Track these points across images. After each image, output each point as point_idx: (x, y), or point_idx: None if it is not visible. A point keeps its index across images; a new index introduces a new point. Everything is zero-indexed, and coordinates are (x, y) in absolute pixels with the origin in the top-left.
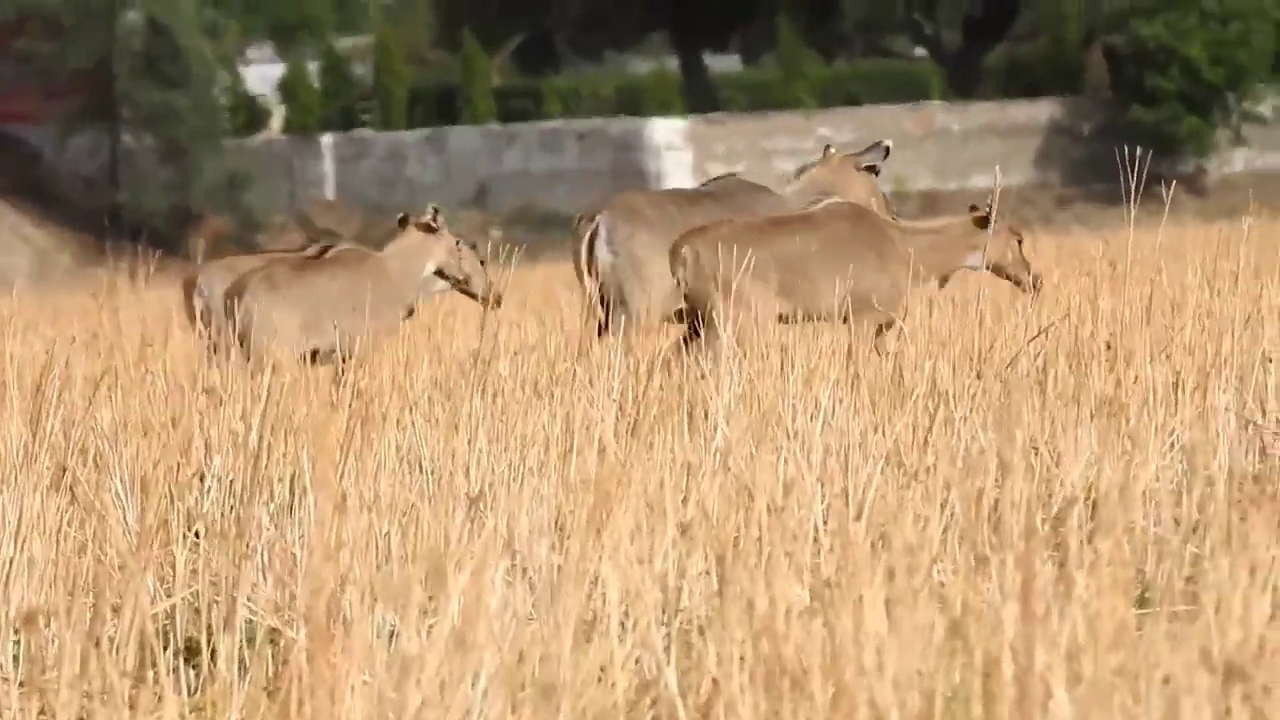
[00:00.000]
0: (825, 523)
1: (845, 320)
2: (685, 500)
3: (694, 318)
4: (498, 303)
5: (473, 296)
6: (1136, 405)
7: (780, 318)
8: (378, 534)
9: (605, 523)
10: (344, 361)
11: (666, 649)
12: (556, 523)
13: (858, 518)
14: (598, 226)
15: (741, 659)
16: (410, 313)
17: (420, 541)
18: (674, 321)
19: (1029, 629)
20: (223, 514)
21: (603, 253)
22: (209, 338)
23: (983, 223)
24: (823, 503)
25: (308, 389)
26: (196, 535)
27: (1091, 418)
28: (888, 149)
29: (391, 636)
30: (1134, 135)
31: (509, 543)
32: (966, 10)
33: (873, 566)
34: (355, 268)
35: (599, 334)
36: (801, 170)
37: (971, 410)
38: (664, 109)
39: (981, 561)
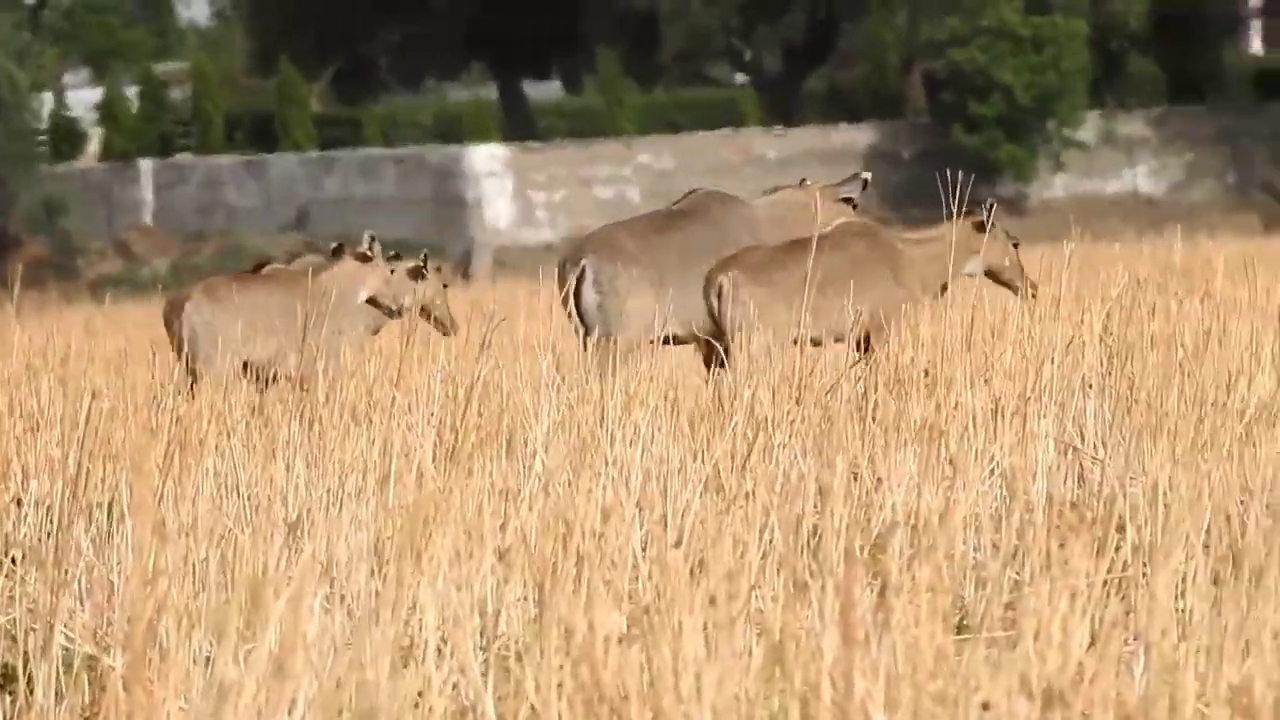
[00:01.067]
0: (644, 549)
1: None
2: (504, 527)
3: (712, 342)
4: (454, 329)
5: (439, 328)
6: (956, 431)
7: (812, 341)
8: (196, 561)
9: (424, 549)
10: (285, 380)
11: (484, 675)
12: (375, 549)
13: (676, 544)
14: (584, 270)
15: (560, 686)
16: (374, 331)
17: (238, 568)
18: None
19: (848, 655)
20: (40, 540)
21: (589, 294)
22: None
23: (980, 227)
24: (641, 529)
25: (126, 414)
26: (13, 561)
27: (909, 443)
28: (866, 181)
29: (209, 663)
30: (954, 160)
31: (327, 569)
32: (786, 37)
33: (691, 593)
34: (290, 287)
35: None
36: (774, 189)
37: (791, 436)
38: (483, 137)
39: (801, 588)
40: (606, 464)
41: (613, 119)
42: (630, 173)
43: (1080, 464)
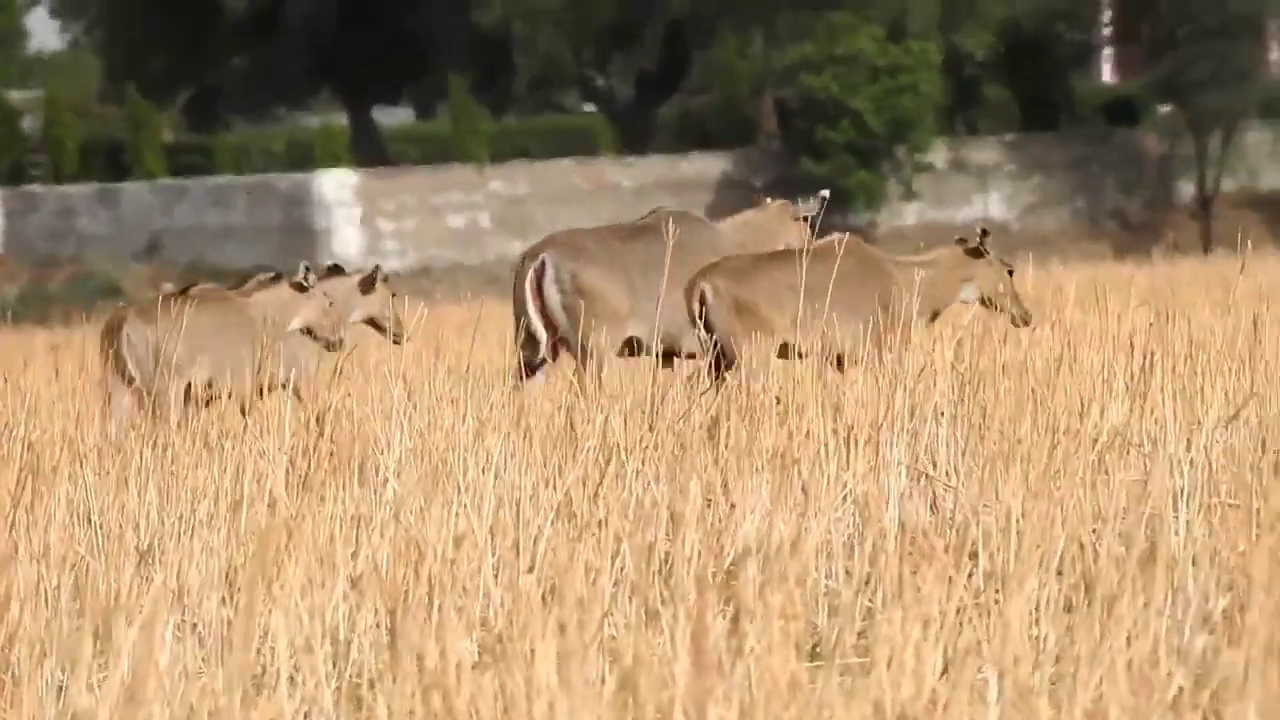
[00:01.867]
0: (496, 576)
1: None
2: (356, 554)
3: (717, 351)
4: (398, 341)
5: (391, 338)
6: (809, 458)
7: (798, 354)
8: (47, 587)
9: (275, 576)
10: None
11: (336, 703)
12: (227, 576)
13: (529, 570)
14: (543, 264)
15: (412, 713)
16: (333, 347)
17: (90, 596)
18: (622, 356)
19: (701, 682)
20: None
21: (551, 291)
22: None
23: (975, 254)
24: (494, 556)
25: None
26: None
27: (761, 470)
28: (825, 200)
29: (61, 692)
30: (806, 188)
31: (179, 597)
32: (638, 65)
33: (544, 620)
34: (222, 308)
35: (529, 372)
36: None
37: (644, 463)
38: (334, 163)
39: (653, 614)
40: (459, 491)
41: (464, 146)
42: (481, 200)
43: (933, 491)
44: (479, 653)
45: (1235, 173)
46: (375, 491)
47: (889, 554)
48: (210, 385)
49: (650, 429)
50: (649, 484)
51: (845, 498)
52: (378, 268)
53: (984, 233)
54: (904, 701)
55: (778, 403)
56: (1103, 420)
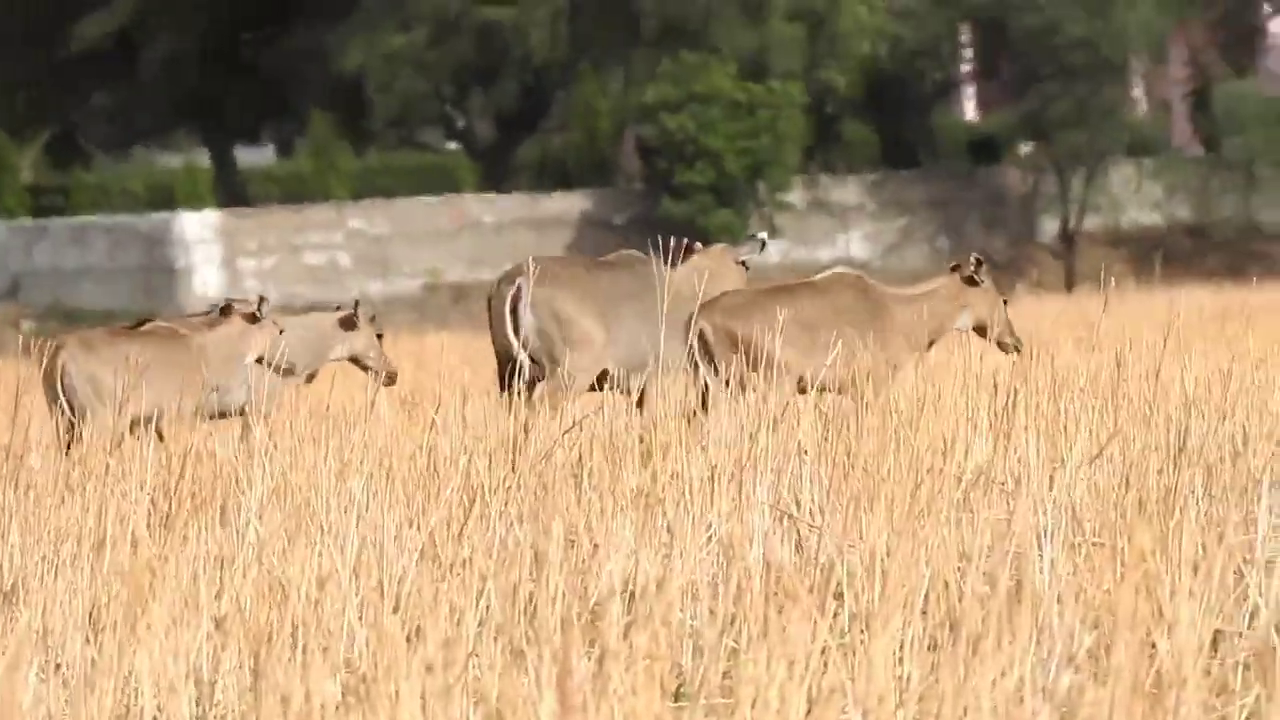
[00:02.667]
0: (360, 617)
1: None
2: (219, 594)
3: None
4: (391, 381)
5: (376, 377)
6: (673, 498)
7: (799, 384)
8: None
9: (139, 616)
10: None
11: None
12: (90, 616)
13: (393, 611)
14: (519, 289)
15: None
16: (309, 379)
17: None
18: (594, 389)
19: None
20: None
21: (526, 316)
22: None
23: (970, 282)
24: (357, 597)
25: None
26: None
27: (625, 510)
28: (764, 242)
29: None
30: (667, 227)
31: (43, 637)
32: (499, 104)
33: (408, 660)
34: (168, 344)
35: (524, 392)
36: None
37: (507, 503)
38: (195, 203)
39: (518, 655)
40: (322, 531)
41: (324, 184)
42: (342, 238)
43: (797, 531)
44: (343, 694)
45: (1099, 210)
46: (238, 532)
47: (754, 594)
48: (151, 421)
49: (513, 469)
50: (512, 524)
51: (710, 538)
52: (357, 304)
53: (979, 261)
54: None
55: (641, 441)
56: (966, 459)
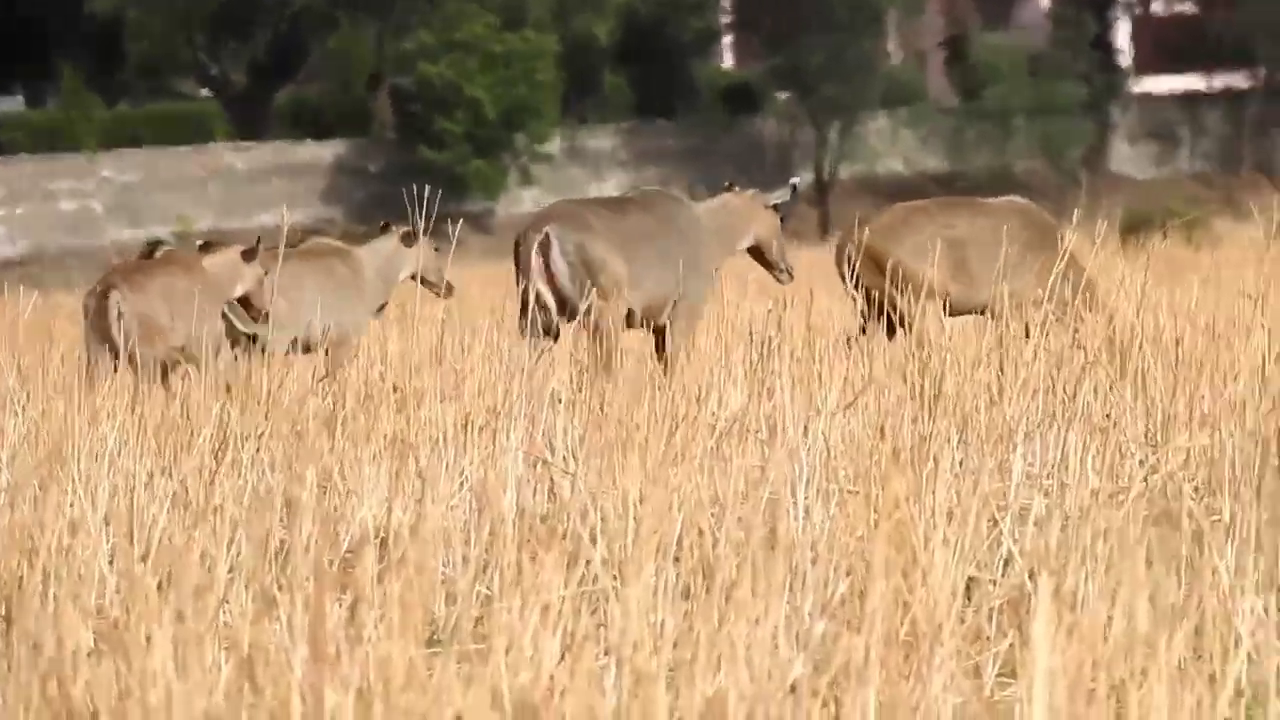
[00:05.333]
0: (112, 564)
1: None
2: None
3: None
4: (450, 292)
5: (435, 291)
6: (427, 445)
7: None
8: None
9: None
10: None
11: None
12: None
13: (144, 558)
14: (548, 236)
15: (29, 702)
16: (381, 309)
17: None
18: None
19: (318, 670)
20: None
21: (559, 264)
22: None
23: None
24: (109, 544)
25: None
26: None
27: (379, 457)
28: (795, 188)
29: None
30: (423, 175)
31: None
32: (252, 52)
33: (160, 607)
34: (190, 270)
35: (550, 336)
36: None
37: (260, 450)
38: None
39: (270, 602)
40: (74, 479)
41: (76, 133)
42: (94, 187)
43: (551, 478)
44: (95, 641)
45: (854, 160)
46: None
47: (507, 541)
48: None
49: (266, 417)
50: (265, 472)
51: (462, 485)
52: (412, 227)
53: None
54: (522, 688)
55: (395, 390)
56: (721, 407)
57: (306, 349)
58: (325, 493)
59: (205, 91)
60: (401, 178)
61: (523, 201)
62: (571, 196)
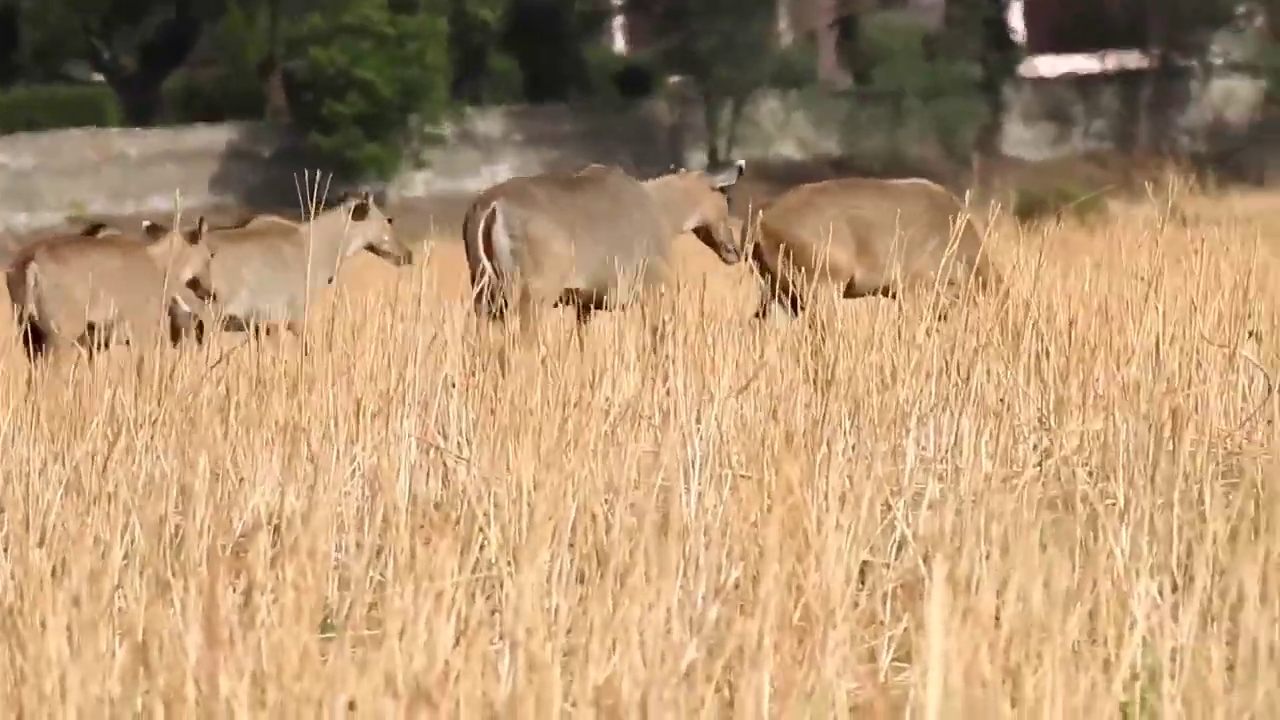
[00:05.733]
0: (5, 550)
1: None
2: None
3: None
4: (408, 259)
5: (393, 260)
6: (319, 431)
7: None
8: None
9: None
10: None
11: None
12: None
13: (39, 544)
14: (494, 212)
15: None
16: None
17: None
18: (562, 304)
19: (212, 655)
20: None
21: (501, 238)
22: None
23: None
24: (2, 530)
25: None
26: None
27: (272, 443)
28: (741, 169)
29: None
30: (315, 160)
31: None
32: (144, 36)
33: (54, 593)
34: (128, 253)
35: (494, 316)
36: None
37: (154, 436)
38: None
39: (164, 588)
40: None
41: None
42: None
43: (444, 463)
44: None
45: (746, 143)
46: None
47: (400, 526)
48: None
49: (159, 403)
50: (158, 457)
51: (355, 471)
52: (366, 193)
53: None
54: (416, 674)
55: (287, 375)
56: (614, 392)
57: (256, 328)
58: (219, 479)
59: (98, 76)
60: (294, 162)
61: (415, 185)
62: (459, 180)
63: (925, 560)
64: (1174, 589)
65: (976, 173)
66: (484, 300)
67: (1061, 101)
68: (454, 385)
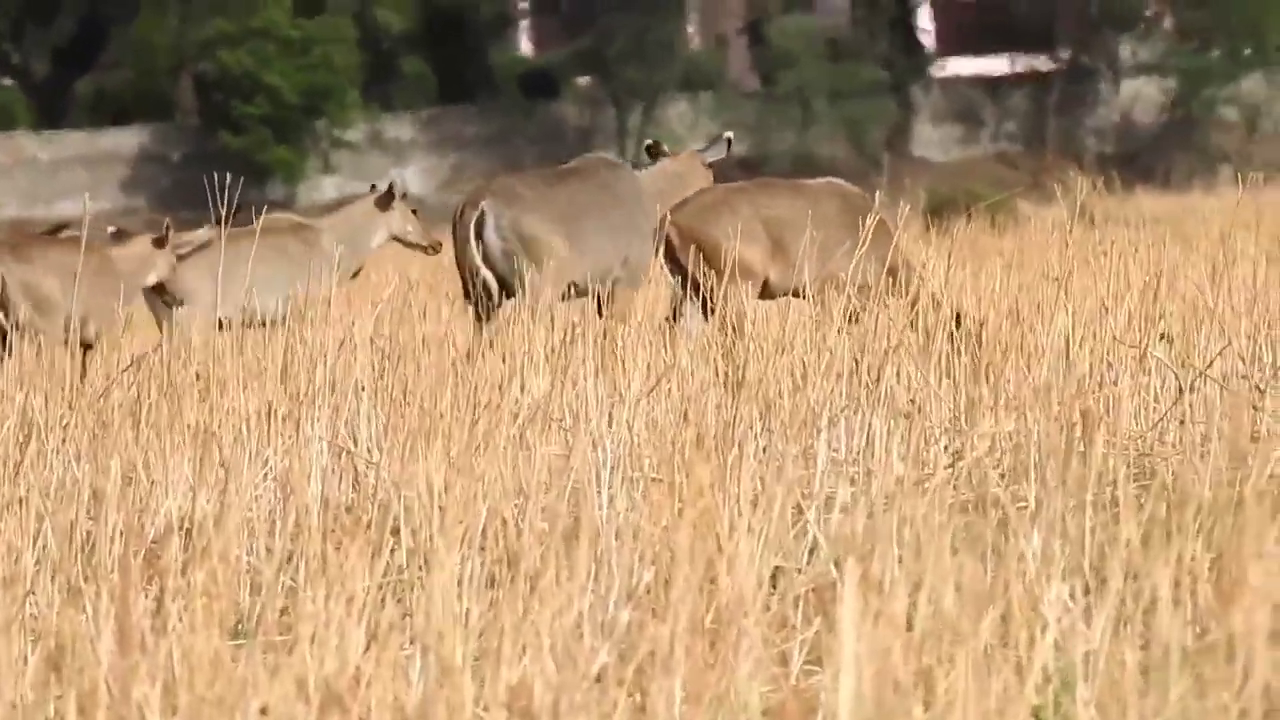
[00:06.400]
0: None
1: None
2: None
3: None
4: (437, 248)
5: (419, 249)
6: (230, 434)
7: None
8: None
9: None
10: (81, 345)
11: None
12: None
13: None
14: (483, 213)
15: None
16: (355, 274)
17: None
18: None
19: (125, 660)
20: None
21: (492, 239)
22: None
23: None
24: None
25: None
26: None
27: (183, 447)
28: (729, 142)
29: None
30: (224, 162)
31: None
32: (55, 40)
33: None
34: (90, 254)
35: (484, 319)
36: (655, 155)
37: (65, 441)
38: None
39: (76, 593)
40: None
41: None
42: None
43: (355, 467)
44: None
45: None
46: None
47: (311, 531)
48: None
49: (70, 407)
50: (70, 462)
51: (266, 475)
52: (392, 183)
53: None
54: (328, 678)
55: (198, 378)
56: (524, 394)
57: (263, 324)
58: (130, 483)
59: (8, 80)
60: (205, 165)
61: (324, 188)
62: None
63: (837, 564)
64: (1086, 592)
65: (886, 172)
66: (477, 305)
67: (970, 102)
68: (364, 388)
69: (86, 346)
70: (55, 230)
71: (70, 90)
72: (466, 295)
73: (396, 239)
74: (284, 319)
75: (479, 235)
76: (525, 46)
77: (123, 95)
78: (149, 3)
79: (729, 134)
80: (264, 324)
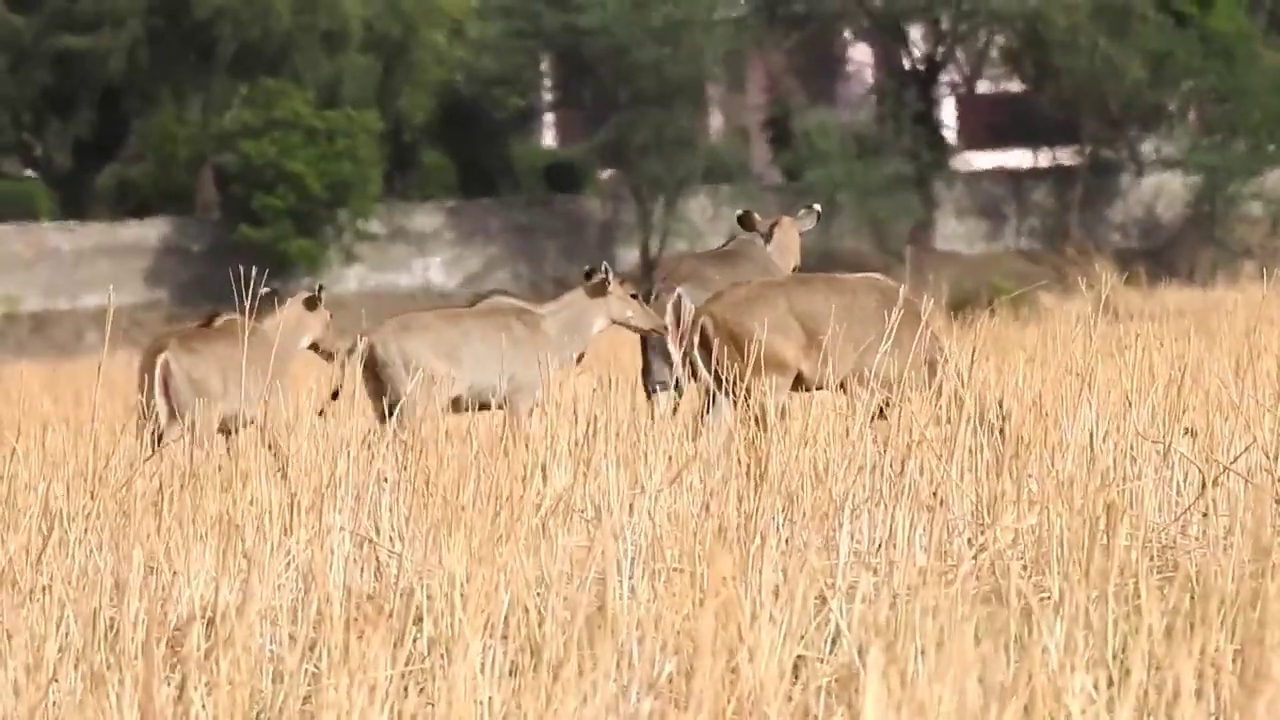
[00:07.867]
0: None
1: None
2: None
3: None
4: (656, 330)
5: (639, 331)
6: (253, 524)
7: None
8: None
9: None
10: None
11: None
12: None
13: None
14: (679, 297)
15: None
16: (579, 359)
17: None
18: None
19: None
20: None
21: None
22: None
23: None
24: None
25: None
26: None
27: (205, 537)
28: (819, 214)
29: None
30: (246, 254)
31: None
32: (76, 131)
33: None
34: (239, 338)
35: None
36: (747, 224)
37: (87, 530)
38: None
39: (99, 680)
40: None
41: None
42: None
43: (377, 557)
44: None
45: (678, 237)
46: None
47: (334, 619)
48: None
49: (92, 497)
50: (92, 551)
51: (289, 564)
52: (607, 269)
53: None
54: None
55: (220, 470)
56: (546, 486)
57: (484, 406)
58: (153, 572)
59: (29, 171)
60: (226, 257)
61: (347, 280)
62: (392, 275)
63: (860, 654)
64: (1109, 684)
65: (909, 266)
66: (652, 379)
67: (993, 197)
68: (387, 479)
69: (227, 433)
70: (209, 319)
71: (91, 182)
72: (645, 374)
73: (618, 323)
74: (504, 402)
75: (676, 316)
76: (549, 139)
77: (143, 187)
78: (170, 94)
79: (817, 206)
80: (482, 406)
